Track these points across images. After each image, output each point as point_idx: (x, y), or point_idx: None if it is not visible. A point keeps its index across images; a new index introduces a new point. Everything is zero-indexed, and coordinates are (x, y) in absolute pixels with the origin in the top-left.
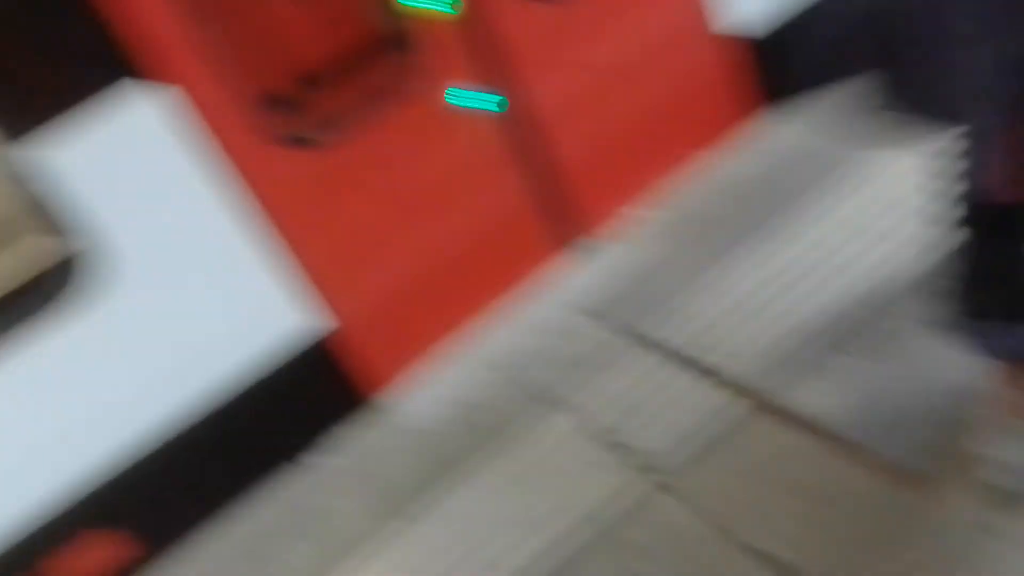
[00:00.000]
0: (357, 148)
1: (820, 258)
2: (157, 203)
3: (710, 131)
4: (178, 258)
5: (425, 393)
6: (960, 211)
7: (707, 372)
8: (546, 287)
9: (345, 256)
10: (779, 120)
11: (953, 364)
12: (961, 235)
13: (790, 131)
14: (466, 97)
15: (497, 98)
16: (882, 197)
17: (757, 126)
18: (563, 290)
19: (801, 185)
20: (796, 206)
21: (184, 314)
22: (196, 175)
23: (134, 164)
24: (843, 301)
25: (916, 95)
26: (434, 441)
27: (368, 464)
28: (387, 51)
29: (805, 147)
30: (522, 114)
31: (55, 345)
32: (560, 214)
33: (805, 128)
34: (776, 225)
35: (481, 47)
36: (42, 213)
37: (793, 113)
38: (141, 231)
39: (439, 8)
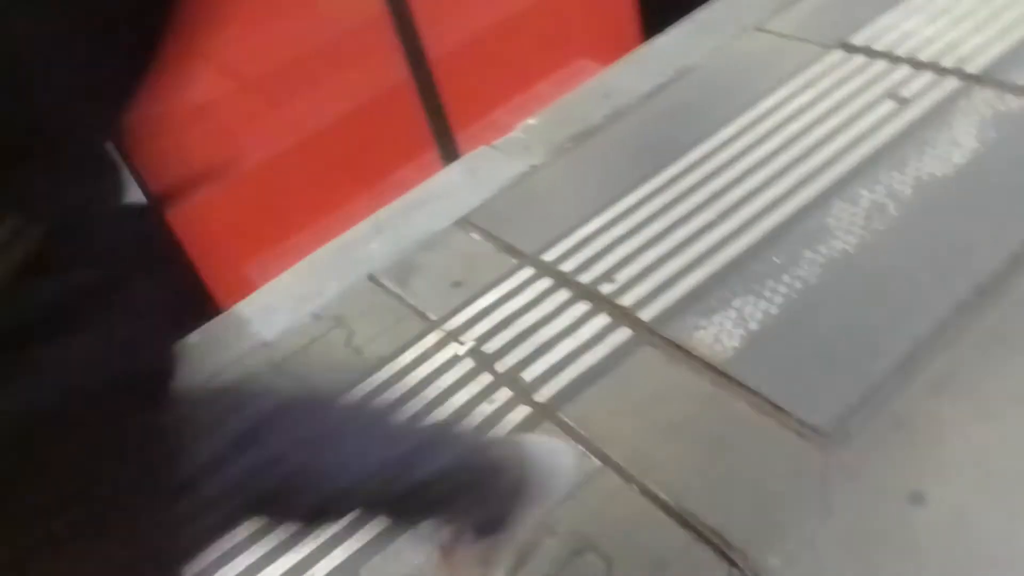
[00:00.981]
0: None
1: (721, 190)
2: None
3: (600, 43)
4: None
5: (290, 305)
6: None
7: (594, 299)
8: (426, 195)
9: (188, 121)
10: (671, 36)
11: None
12: None
13: (680, 48)
14: None
15: None
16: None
17: (651, 42)
18: (445, 200)
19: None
20: (693, 127)
21: None
22: None
23: None
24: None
25: None
26: (301, 360)
27: (221, 381)
28: None
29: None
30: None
31: None
32: (439, 115)
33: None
34: (676, 147)
35: None
36: None
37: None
38: None
39: None
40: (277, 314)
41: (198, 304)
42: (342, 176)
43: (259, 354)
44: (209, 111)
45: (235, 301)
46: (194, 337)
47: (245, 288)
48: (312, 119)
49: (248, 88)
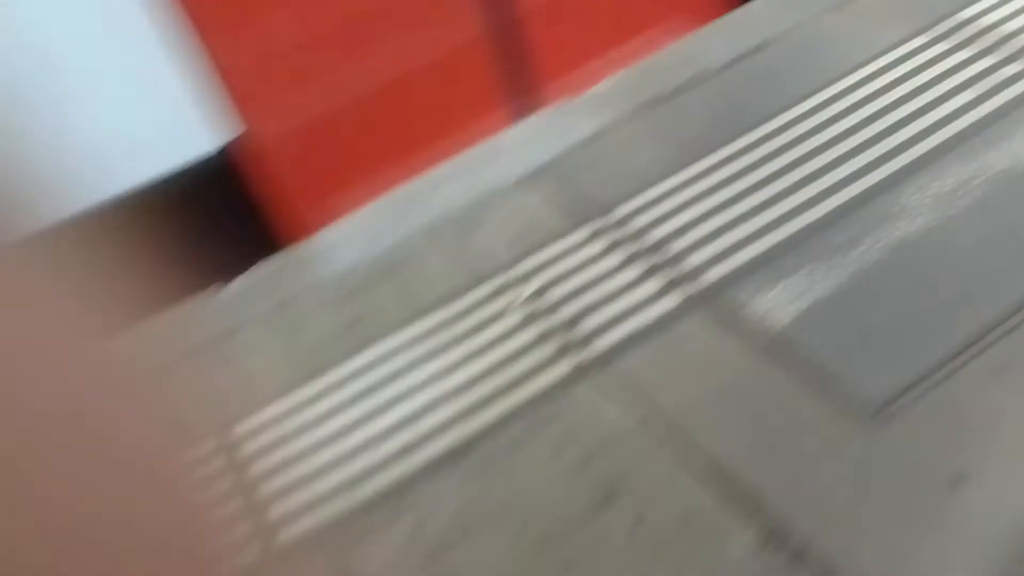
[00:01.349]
0: None
1: (796, 161)
2: None
3: (690, 7)
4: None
5: (349, 244)
6: None
7: (654, 260)
8: (498, 148)
9: (269, 68)
10: (761, 4)
11: None
12: None
13: (769, 17)
14: None
15: None
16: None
17: (741, 9)
18: (516, 154)
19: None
20: (773, 97)
21: (78, 100)
22: None
23: None
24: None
25: None
26: (360, 299)
27: (285, 312)
28: None
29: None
30: None
31: None
32: (520, 65)
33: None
34: (756, 122)
35: None
36: None
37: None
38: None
39: None
40: (343, 252)
41: (272, 236)
42: (421, 123)
43: (323, 289)
44: (294, 56)
45: (305, 237)
46: (264, 267)
47: (316, 225)
48: (395, 66)
49: (333, 34)
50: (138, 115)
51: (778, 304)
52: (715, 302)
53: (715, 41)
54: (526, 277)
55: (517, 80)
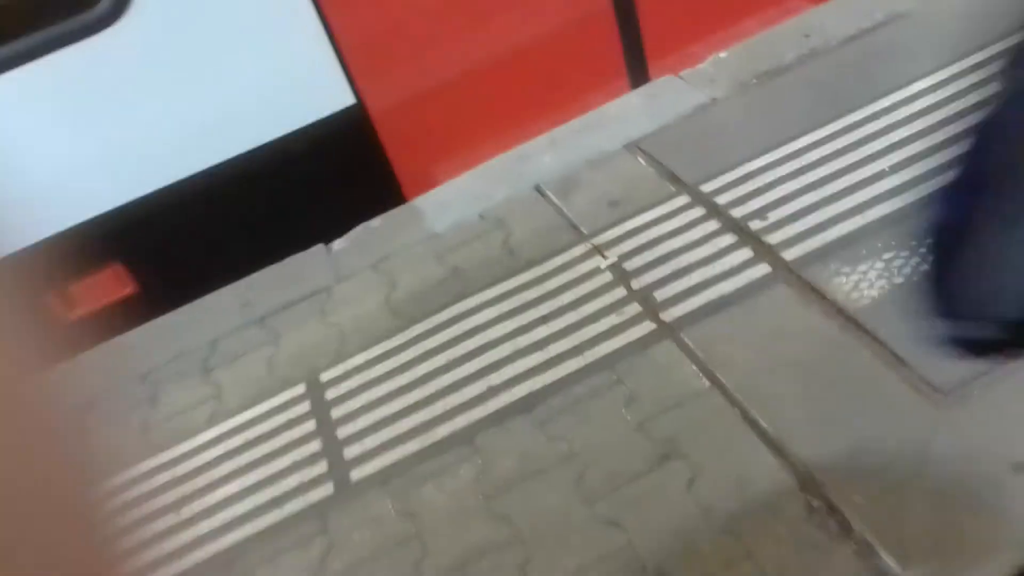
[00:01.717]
0: None
1: (897, 144)
2: None
3: None
4: None
5: (457, 203)
6: None
7: (741, 233)
8: (604, 117)
9: (393, 33)
10: None
11: None
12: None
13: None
14: None
15: None
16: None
17: None
18: (621, 124)
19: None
20: (887, 76)
21: (214, 60)
22: None
23: None
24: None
25: None
26: (461, 253)
27: (390, 264)
28: None
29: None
30: None
31: (84, 67)
32: (634, 41)
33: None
34: (864, 101)
35: None
36: None
37: None
38: None
39: None
40: (449, 210)
41: (387, 193)
42: (532, 92)
43: (427, 243)
44: (415, 25)
45: (418, 194)
46: (376, 221)
47: (428, 184)
48: (511, 36)
49: (452, 3)
50: (264, 78)
51: (861, 283)
52: (798, 277)
53: (835, 16)
54: (619, 240)
55: (631, 51)
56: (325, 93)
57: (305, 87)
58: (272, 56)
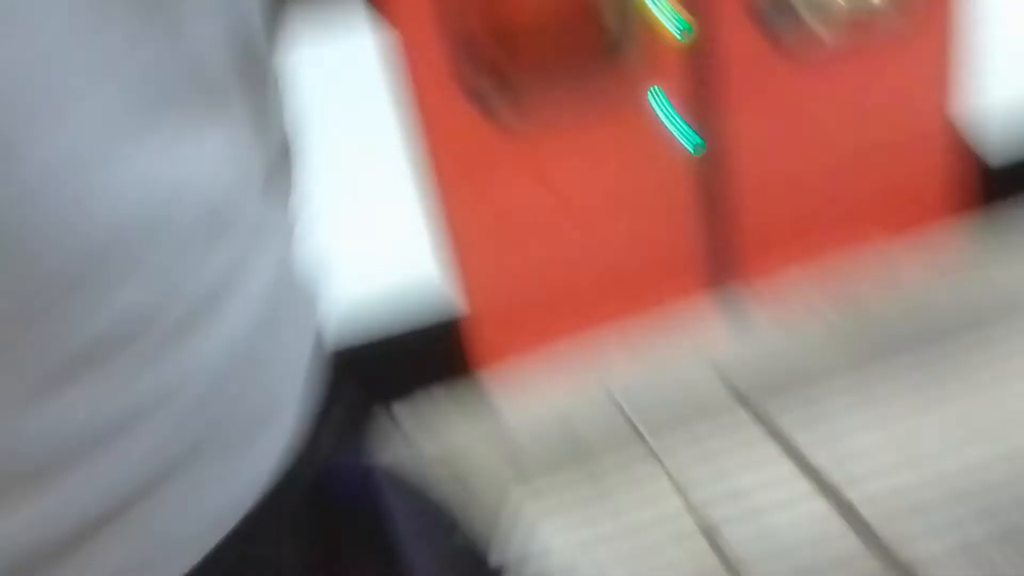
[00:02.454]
0: (544, 134)
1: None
2: (346, 125)
3: (905, 226)
4: (345, 181)
5: (534, 401)
6: None
7: (836, 501)
8: (686, 333)
9: (493, 237)
10: (990, 244)
11: None
12: None
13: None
14: (668, 113)
15: (695, 138)
16: None
17: (964, 241)
18: (704, 343)
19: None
20: (989, 349)
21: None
22: (387, 113)
23: (341, 83)
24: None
25: None
26: (526, 451)
27: (458, 456)
28: (602, 48)
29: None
30: (716, 149)
31: None
32: (722, 262)
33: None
34: (963, 362)
35: (697, 77)
36: None
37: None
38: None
39: (670, 27)
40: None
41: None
42: (605, 300)
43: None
44: (522, 233)
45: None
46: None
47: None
48: (609, 244)
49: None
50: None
51: (922, 537)
52: (854, 515)
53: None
54: (677, 447)
55: (722, 274)
56: (430, 302)
57: (411, 285)
58: (384, 245)
